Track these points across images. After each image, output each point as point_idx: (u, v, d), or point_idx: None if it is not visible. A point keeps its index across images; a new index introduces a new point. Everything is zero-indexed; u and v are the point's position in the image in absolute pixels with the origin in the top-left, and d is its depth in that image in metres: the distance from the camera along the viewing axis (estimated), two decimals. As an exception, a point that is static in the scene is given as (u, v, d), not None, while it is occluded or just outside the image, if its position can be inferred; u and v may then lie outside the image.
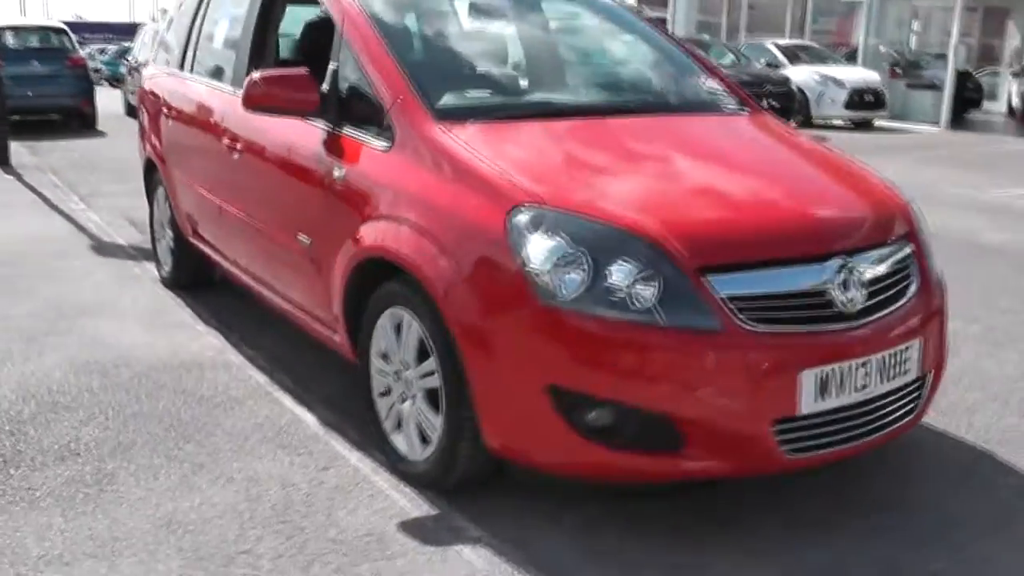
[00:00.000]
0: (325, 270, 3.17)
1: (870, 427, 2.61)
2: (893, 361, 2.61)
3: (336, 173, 3.09)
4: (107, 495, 2.74)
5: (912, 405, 2.75)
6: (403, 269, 2.75)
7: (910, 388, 2.72)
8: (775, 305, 2.47)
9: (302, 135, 3.31)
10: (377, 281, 2.92)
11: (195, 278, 4.80)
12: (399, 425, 2.92)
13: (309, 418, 3.26)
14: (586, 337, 2.40)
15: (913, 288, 2.76)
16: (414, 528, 2.59)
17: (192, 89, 4.49)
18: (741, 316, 2.40)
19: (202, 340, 4.04)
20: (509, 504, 2.76)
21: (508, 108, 3.22)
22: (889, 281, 2.70)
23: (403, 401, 2.88)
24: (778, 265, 2.52)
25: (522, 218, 2.50)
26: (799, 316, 2.49)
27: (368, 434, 3.10)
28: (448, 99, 3.07)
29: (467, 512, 2.69)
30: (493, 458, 2.67)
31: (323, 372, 3.73)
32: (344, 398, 3.46)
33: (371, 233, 2.89)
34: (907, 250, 2.81)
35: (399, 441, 2.92)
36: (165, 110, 4.75)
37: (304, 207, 3.30)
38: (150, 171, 5.07)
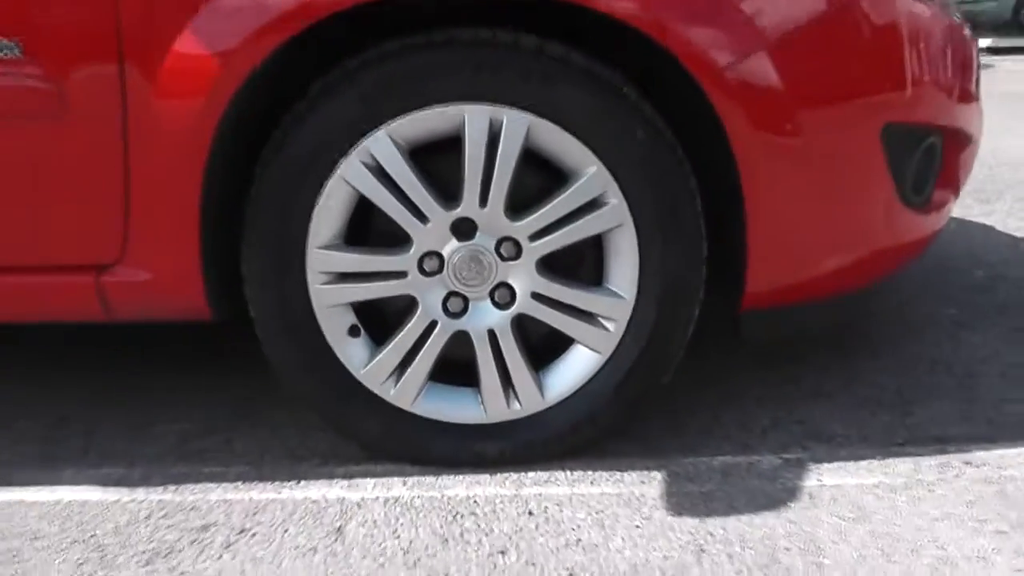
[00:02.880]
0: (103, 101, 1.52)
1: None
2: None
3: None
4: None
5: None
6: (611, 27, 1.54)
7: None
8: None
9: None
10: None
11: None
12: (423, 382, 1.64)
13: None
14: (922, 38, 1.68)
15: None
16: (718, 507, 1.58)
17: None
18: None
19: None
20: (694, 426, 1.87)
21: None
22: None
23: (457, 314, 1.61)
24: None
25: None
26: None
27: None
28: None
29: (699, 453, 1.75)
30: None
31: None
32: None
33: None
34: None
35: (449, 408, 1.65)
36: None
37: None
38: None
